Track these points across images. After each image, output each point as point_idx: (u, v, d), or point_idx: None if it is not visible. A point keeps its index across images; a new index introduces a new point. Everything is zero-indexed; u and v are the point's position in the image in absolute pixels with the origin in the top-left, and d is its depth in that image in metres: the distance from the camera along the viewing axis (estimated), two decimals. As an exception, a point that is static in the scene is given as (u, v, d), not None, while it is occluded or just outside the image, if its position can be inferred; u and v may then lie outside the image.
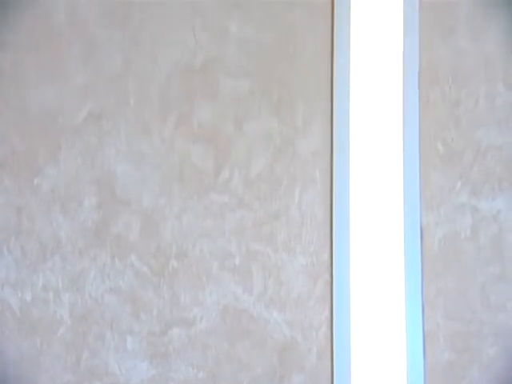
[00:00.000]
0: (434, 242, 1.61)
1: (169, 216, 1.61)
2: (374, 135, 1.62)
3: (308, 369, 1.60)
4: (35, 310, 1.59)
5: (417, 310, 1.59)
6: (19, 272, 1.59)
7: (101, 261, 1.60)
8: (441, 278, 1.60)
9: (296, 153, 1.63)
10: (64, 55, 1.62)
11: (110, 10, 1.63)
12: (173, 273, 1.61)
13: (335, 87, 1.63)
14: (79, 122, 1.62)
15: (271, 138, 1.63)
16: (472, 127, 1.62)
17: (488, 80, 1.63)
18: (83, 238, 1.60)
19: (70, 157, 1.61)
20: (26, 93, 1.61)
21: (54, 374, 1.58)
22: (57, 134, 1.61)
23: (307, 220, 1.62)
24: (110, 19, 1.63)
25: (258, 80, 1.64)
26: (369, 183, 1.61)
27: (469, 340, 1.59)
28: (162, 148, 1.62)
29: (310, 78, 1.64)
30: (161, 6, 1.64)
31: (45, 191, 1.61)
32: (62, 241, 1.60)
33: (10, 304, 1.59)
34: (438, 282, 1.60)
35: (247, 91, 1.63)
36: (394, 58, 1.63)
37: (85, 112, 1.62)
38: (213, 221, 1.62)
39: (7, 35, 1.62)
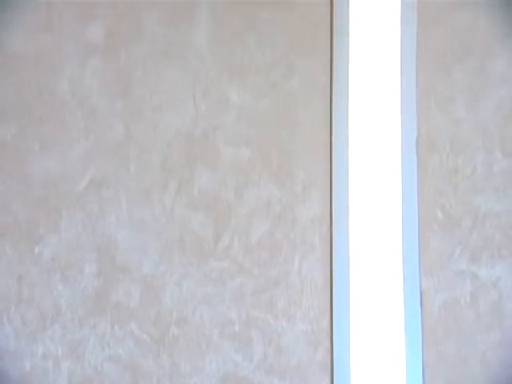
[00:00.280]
0: (434, 308, 1.61)
1: (169, 283, 1.62)
2: (372, 202, 1.63)
3: None
4: (34, 378, 1.58)
5: (417, 376, 1.58)
6: (19, 341, 1.59)
7: (100, 329, 1.60)
8: (441, 344, 1.60)
9: (296, 219, 1.64)
10: (66, 125, 1.64)
11: (111, 81, 1.66)
12: (173, 340, 1.60)
13: (334, 154, 1.65)
14: (80, 190, 1.63)
15: (271, 204, 1.64)
16: (470, 194, 1.63)
17: (485, 147, 1.64)
18: (83, 306, 1.60)
19: (70, 225, 1.62)
20: (29, 162, 1.63)
21: None
22: (58, 202, 1.62)
23: (307, 286, 1.62)
24: (111, 89, 1.66)
25: (258, 147, 1.66)
26: (368, 249, 1.62)
27: (470, 408, 1.59)
28: (163, 215, 1.63)
29: (308, 145, 1.66)
30: (162, 76, 1.67)
31: (45, 259, 1.61)
32: (61, 309, 1.60)
33: (10, 374, 1.58)
34: (438, 347, 1.60)
35: (247, 158, 1.65)
36: (392, 125, 1.65)
37: (86, 180, 1.63)
38: (213, 287, 1.62)
39: (11, 107, 1.64)
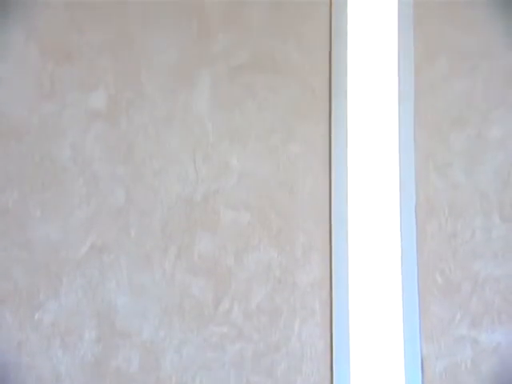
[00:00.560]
0: (435, 374, 1.60)
1: (168, 348, 1.61)
2: (372, 267, 1.63)
3: None
4: None
5: None
6: (17, 409, 1.58)
7: (100, 395, 1.59)
8: (443, 410, 1.59)
9: (296, 284, 1.64)
10: (67, 191, 1.65)
11: (113, 147, 1.67)
12: (172, 406, 1.59)
13: (333, 218, 1.66)
14: (81, 256, 1.63)
15: (271, 268, 1.65)
16: (469, 259, 1.64)
17: (484, 212, 1.65)
18: (82, 373, 1.59)
19: (71, 290, 1.62)
20: (30, 229, 1.63)
21: None
22: (59, 268, 1.63)
23: (307, 352, 1.62)
24: (112, 155, 1.67)
25: (258, 212, 1.66)
26: (368, 316, 1.62)
27: None
28: (163, 280, 1.63)
29: (308, 209, 1.66)
30: (162, 141, 1.68)
31: (45, 326, 1.61)
32: (61, 376, 1.59)
33: None
34: (440, 413, 1.59)
35: (247, 223, 1.66)
36: (392, 190, 1.66)
37: (87, 246, 1.64)
38: (212, 353, 1.61)
39: (13, 173, 1.66)
